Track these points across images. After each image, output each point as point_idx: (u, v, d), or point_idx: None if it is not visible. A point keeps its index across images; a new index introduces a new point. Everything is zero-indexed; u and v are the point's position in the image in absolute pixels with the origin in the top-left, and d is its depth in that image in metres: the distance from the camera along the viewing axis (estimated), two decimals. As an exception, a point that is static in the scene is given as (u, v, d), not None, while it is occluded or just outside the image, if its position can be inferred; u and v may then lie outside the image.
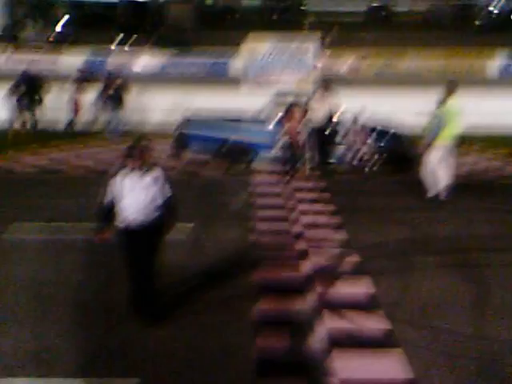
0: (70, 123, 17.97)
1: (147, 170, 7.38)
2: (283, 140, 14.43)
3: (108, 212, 7.41)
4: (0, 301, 8.07)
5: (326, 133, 14.42)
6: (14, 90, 17.79)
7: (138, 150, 7.39)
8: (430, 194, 12.41)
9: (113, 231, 7.41)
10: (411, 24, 55.81)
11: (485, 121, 18.50)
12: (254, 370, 6.44)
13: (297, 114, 14.18)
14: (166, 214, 7.48)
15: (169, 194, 7.51)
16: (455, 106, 12.10)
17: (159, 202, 7.43)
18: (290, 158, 14.38)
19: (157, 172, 7.46)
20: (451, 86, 12.11)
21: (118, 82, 17.19)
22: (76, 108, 17.91)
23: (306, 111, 14.27)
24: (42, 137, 17.54)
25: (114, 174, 7.38)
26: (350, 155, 14.46)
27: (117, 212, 7.36)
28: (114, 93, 16.93)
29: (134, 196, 7.31)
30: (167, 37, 36.83)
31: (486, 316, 7.72)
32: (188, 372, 6.50)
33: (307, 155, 14.34)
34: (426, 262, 9.41)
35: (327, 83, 14.62)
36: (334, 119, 14.61)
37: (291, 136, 14.19)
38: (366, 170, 14.58)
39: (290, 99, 14.98)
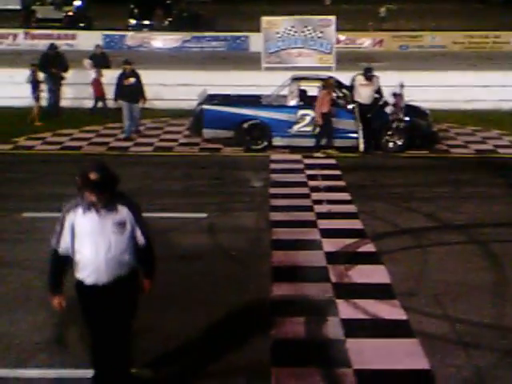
0: (95, 105, 17.79)
1: (110, 209, 5.39)
2: (312, 118, 14.46)
3: (64, 262, 5.54)
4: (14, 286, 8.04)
5: (374, 111, 14.49)
6: (40, 67, 17.14)
7: (95, 180, 5.23)
8: None
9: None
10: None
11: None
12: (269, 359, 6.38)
13: (327, 93, 14.27)
14: (138, 270, 5.63)
15: (142, 243, 5.56)
16: None
17: (127, 256, 5.49)
18: (321, 135, 14.46)
19: (123, 213, 5.44)
20: None
21: (134, 70, 15.48)
22: (97, 89, 17.69)
23: (332, 91, 14.40)
24: (64, 115, 17.52)
25: (69, 210, 5.44)
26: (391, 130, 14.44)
27: (73, 261, 5.54)
28: (132, 85, 15.32)
29: (93, 245, 5.37)
30: (186, 11, 36.52)
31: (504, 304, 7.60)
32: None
33: (360, 132, 14.33)
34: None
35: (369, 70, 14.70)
36: (381, 97, 14.73)
37: (320, 114, 14.22)
38: (391, 145, 14.41)
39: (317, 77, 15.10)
